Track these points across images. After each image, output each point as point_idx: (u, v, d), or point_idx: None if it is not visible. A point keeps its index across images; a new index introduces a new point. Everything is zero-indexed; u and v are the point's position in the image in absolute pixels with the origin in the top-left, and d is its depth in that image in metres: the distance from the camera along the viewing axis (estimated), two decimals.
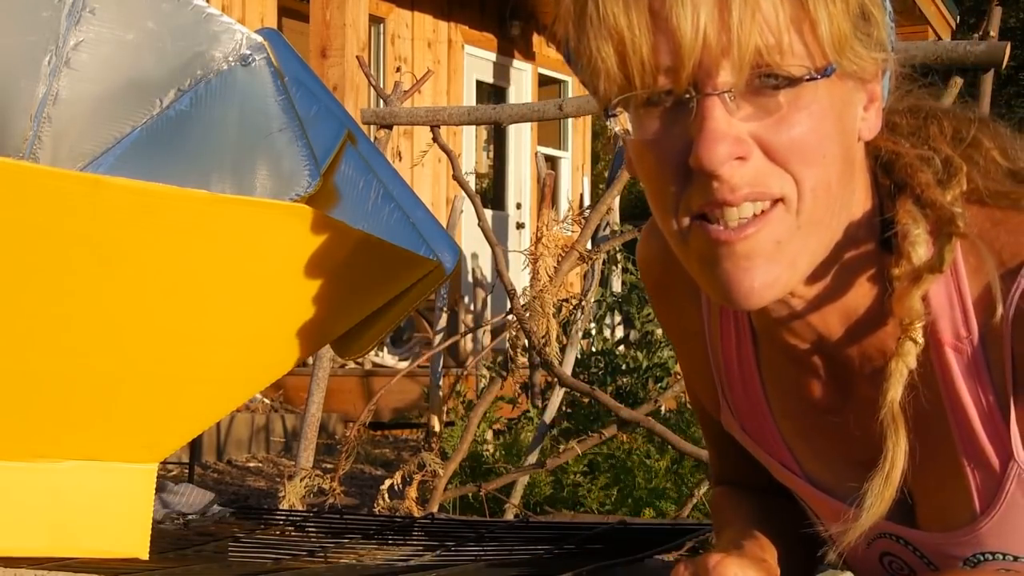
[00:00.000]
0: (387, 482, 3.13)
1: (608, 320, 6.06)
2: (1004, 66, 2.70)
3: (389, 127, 3.54)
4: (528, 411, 4.70)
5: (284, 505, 3.02)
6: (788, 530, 1.26)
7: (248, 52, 2.12)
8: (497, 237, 3.46)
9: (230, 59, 2.12)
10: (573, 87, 11.34)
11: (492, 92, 11.08)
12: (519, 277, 4.99)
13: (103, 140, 2.14)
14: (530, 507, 3.80)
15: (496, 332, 5.81)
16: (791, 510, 1.29)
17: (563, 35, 1.03)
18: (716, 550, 1.19)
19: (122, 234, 1.53)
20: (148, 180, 1.60)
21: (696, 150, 0.96)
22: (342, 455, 3.33)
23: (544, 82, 11.58)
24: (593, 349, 5.48)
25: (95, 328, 1.62)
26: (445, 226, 2.62)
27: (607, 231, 4.62)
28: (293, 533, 2.40)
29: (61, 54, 2.12)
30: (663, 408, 4.41)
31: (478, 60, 10.77)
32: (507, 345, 3.36)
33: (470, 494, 3.32)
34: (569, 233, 3.39)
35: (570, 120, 11.33)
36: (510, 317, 3.31)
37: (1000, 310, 1.05)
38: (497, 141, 11.36)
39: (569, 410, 4.47)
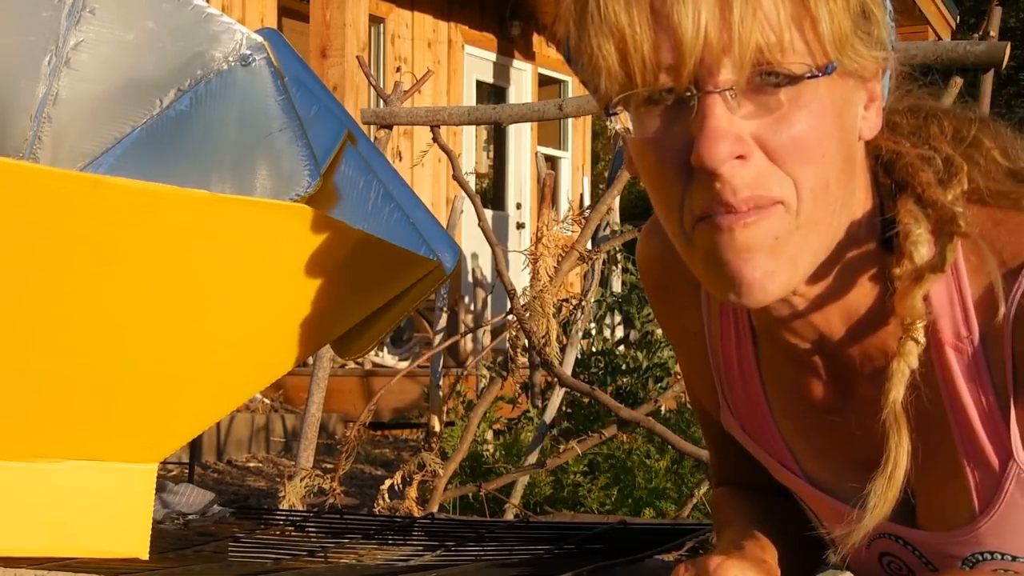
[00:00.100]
0: (387, 482, 3.13)
1: (608, 320, 6.06)
2: (1004, 66, 2.70)
3: (389, 127, 3.54)
4: (528, 411, 4.70)
5: (284, 505, 3.01)
6: (788, 530, 1.26)
7: (248, 52, 2.12)
8: (497, 237, 3.46)
9: (230, 59, 2.12)
10: (573, 87, 11.34)
11: (492, 92, 11.09)
12: (519, 277, 4.99)
13: (103, 140, 2.14)
14: (530, 507, 3.80)
15: (496, 332, 5.81)
16: (791, 510, 1.29)
17: (564, 34, 1.03)
18: (716, 551, 1.19)
19: (122, 234, 1.53)
20: (148, 180, 1.60)
21: (697, 148, 0.96)
22: (342, 455, 3.33)
23: (544, 82, 11.58)
24: (593, 349, 5.48)
25: (95, 328, 1.62)
26: (445, 226, 2.62)
27: (607, 231, 4.63)
28: (293, 533, 2.40)
29: (61, 54, 2.12)
30: (663, 408, 4.41)
31: (478, 60, 10.77)
32: (507, 345, 3.36)
33: (470, 494, 3.32)
34: (569, 233, 3.39)
35: (570, 120, 11.33)
36: (510, 317, 3.31)
37: (1002, 309, 1.05)
38: (497, 141, 11.37)
39: (569, 410, 4.47)
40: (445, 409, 4.31)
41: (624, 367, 4.97)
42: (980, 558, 1.13)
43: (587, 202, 8.78)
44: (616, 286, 6.02)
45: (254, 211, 1.63)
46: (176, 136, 2.12)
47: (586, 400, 4.33)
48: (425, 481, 3.16)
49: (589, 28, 0.98)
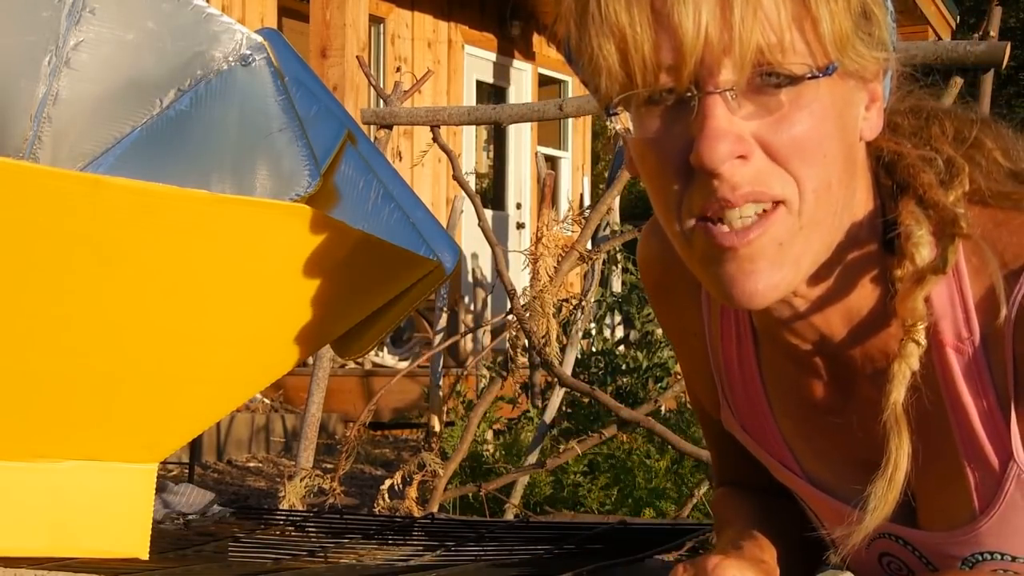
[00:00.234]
0: (387, 482, 3.13)
1: (608, 320, 6.06)
2: (1004, 66, 2.70)
3: (389, 127, 3.54)
4: (528, 411, 4.70)
5: (284, 505, 3.01)
6: (788, 530, 1.26)
7: (248, 52, 2.12)
8: (497, 237, 3.46)
9: (230, 59, 2.12)
10: (573, 87, 11.34)
11: (492, 92, 11.08)
12: (519, 277, 4.99)
13: (103, 140, 2.14)
14: (530, 507, 3.80)
15: (496, 332, 5.81)
16: (792, 511, 1.29)
17: (564, 34, 1.03)
18: (715, 551, 1.19)
19: (122, 234, 1.53)
20: (148, 180, 1.60)
21: (697, 148, 0.96)
22: (342, 455, 3.33)
23: (544, 82, 11.58)
24: (593, 349, 5.48)
25: (95, 328, 1.62)
26: (445, 226, 2.62)
27: (607, 231, 4.63)
28: (293, 533, 2.40)
29: (61, 54, 2.12)
30: (663, 408, 4.41)
31: (478, 60, 10.77)
32: (507, 345, 3.36)
33: (470, 494, 3.32)
34: (569, 233, 3.39)
35: (570, 120, 11.33)
36: (510, 317, 3.31)
37: (1003, 311, 1.05)
38: (497, 141, 11.37)
39: (569, 410, 4.47)
40: (445, 409, 4.31)
41: (624, 367, 4.97)
42: (980, 558, 1.13)
43: (587, 202, 8.79)
44: (616, 286, 6.02)
45: (254, 211, 1.63)
46: (176, 136, 2.12)
47: (586, 400, 4.33)
48: (425, 481, 3.16)
49: (590, 28, 0.98)
